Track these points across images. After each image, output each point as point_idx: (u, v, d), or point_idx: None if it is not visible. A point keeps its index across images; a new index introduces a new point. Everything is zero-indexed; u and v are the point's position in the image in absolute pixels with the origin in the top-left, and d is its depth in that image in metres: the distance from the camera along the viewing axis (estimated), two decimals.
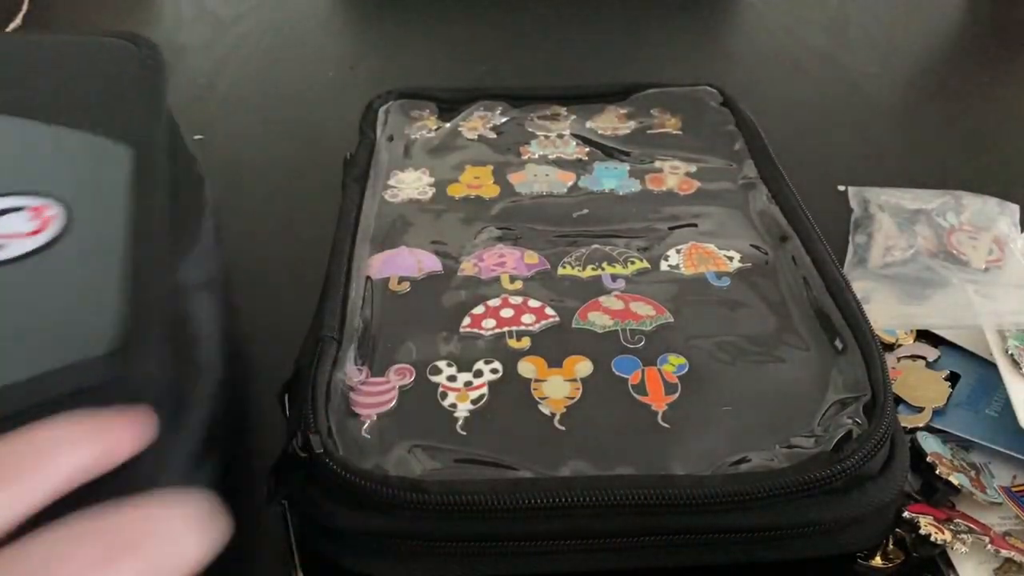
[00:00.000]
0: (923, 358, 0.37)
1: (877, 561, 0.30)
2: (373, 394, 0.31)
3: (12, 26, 0.69)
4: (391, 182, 0.43)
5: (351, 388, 0.31)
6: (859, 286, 0.40)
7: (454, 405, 0.30)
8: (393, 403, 0.30)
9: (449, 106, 0.50)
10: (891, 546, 0.30)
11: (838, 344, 0.33)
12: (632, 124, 0.48)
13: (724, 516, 0.27)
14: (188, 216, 0.34)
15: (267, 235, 0.45)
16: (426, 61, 0.65)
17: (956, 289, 0.40)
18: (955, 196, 0.46)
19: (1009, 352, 0.36)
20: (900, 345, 0.38)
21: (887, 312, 0.39)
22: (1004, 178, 0.50)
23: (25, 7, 0.71)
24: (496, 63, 0.64)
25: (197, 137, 0.55)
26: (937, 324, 0.38)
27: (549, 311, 0.34)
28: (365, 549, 0.28)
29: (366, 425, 0.29)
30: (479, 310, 0.35)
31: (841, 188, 0.49)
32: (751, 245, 0.38)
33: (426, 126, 0.48)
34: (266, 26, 0.70)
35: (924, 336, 0.38)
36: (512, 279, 0.36)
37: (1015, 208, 0.46)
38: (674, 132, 0.47)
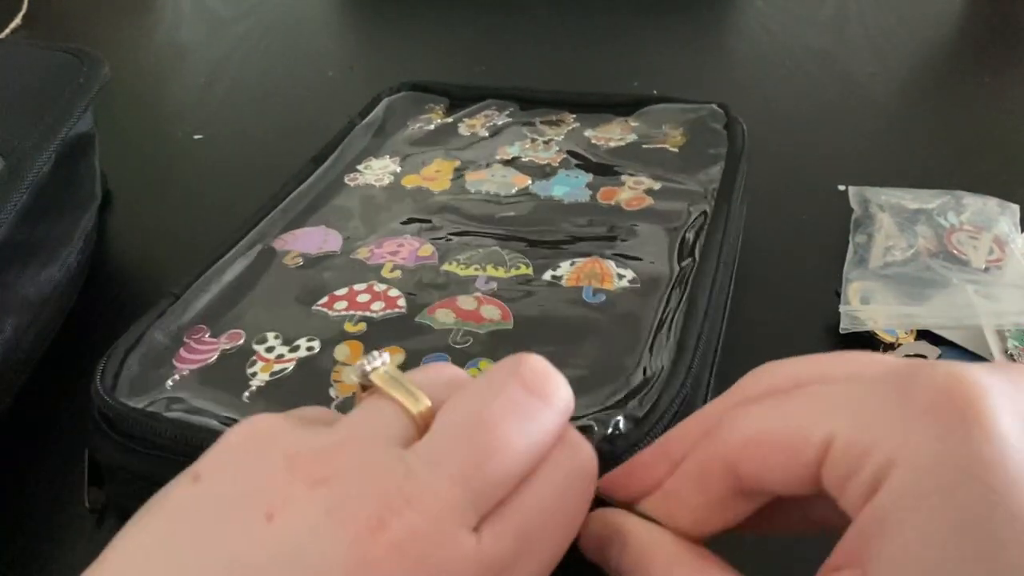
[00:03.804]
0: (923, 358, 0.37)
1: None
2: (198, 351, 0.31)
3: (12, 26, 0.69)
4: (359, 166, 0.44)
5: (183, 343, 0.31)
6: (859, 286, 0.40)
7: (255, 374, 0.30)
8: (209, 362, 0.31)
9: (460, 102, 0.50)
10: None
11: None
12: (632, 137, 0.46)
13: None
14: (48, 238, 0.37)
15: None
16: (425, 61, 0.65)
17: (956, 289, 0.40)
18: (955, 196, 0.46)
19: (1009, 352, 0.36)
20: (900, 345, 0.38)
21: (887, 312, 0.39)
22: (1004, 178, 0.50)
23: (25, 7, 0.71)
24: (495, 63, 0.64)
25: (197, 136, 0.55)
26: (937, 324, 0.38)
27: (401, 302, 0.34)
28: (125, 482, 0.29)
29: (175, 378, 0.30)
30: (342, 291, 0.35)
31: (841, 188, 0.49)
32: (653, 264, 0.36)
33: (431, 119, 0.48)
34: (266, 26, 0.70)
35: (924, 336, 0.38)
36: (394, 268, 0.36)
37: (1015, 208, 0.46)
38: (671, 149, 0.45)
